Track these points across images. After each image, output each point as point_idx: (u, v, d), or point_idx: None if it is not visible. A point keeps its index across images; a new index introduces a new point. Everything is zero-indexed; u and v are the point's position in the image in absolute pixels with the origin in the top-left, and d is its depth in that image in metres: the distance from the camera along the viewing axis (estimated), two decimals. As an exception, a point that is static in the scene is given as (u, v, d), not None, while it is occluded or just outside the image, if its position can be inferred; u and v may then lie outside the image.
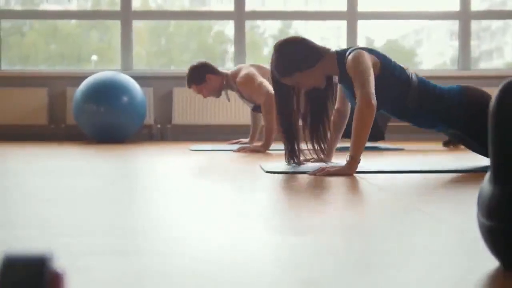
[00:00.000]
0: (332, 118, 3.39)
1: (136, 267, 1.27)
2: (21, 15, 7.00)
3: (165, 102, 6.40)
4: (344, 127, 3.45)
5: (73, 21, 7.44)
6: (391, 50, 7.62)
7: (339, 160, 3.26)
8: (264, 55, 7.67)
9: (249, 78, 4.71)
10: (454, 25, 6.67)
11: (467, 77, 6.18)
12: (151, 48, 7.81)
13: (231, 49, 6.85)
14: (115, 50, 6.55)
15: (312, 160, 3.41)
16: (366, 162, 3.36)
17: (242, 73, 4.77)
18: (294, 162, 3.30)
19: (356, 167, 2.94)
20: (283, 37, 3.30)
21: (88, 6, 7.43)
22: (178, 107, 6.33)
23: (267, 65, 4.80)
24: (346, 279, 1.18)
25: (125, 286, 1.15)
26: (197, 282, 1.16)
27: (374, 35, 7.47)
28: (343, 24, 6.58)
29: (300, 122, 3.33)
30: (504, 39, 8.62)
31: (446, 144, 4.95)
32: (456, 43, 6.64)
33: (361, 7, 6.49)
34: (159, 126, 6.39)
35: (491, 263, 1.25)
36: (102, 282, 1.16)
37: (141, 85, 5.91)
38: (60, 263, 1.24)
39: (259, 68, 4.83)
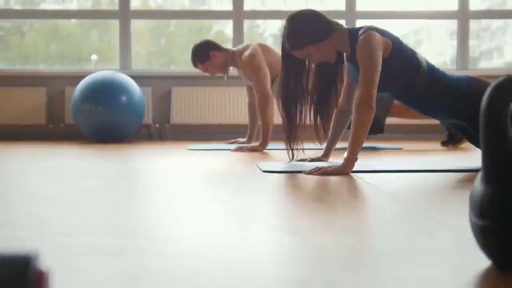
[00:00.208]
0: (333, 116, 3.37)
1: (136, 267, 1.28)
2: (20, 14, 7.00)
3: (163, 102, 6.40)
4: (345, 129, 3.44)
5: (73, 21, 7.45)
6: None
7: (336, 159, 3.28)
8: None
9: (255, 65, 4.69)
10: (454, 24, 6.68)
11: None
12: (151, 48, 7.82)
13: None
14: (115, 49, 6.56)
15: (309, 159, 3.42)
16: (364, 161, 3.37)
17: (248, 52, 4.76)
18: (291, 148, 3.29)
19: (353, 166, 2.95)
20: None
21: (88, 5, 7.45)
22: (177, 106, 6.34)
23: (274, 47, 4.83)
24: (341, 279, 1.19)
25: (125, 286, 1.15)
26: (197, 282, 1.17)
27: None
28: (342, 23, 6.57)
29: (301, 117, 3.29)
30: (504, 38, 8.62)
31: (444, 143, 4.95)
32: (456, 43, 6.65)
33: (359, 7, 6.50)
34: (157, 125, 6.39)
35: (483, 262, 1.26)
36: (102, 282, 1.17)
37: (140, 84, 5.91)
38: (47, 263, 1.25)
39: (265, 50, 4.82)
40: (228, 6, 6.54)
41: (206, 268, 1.26)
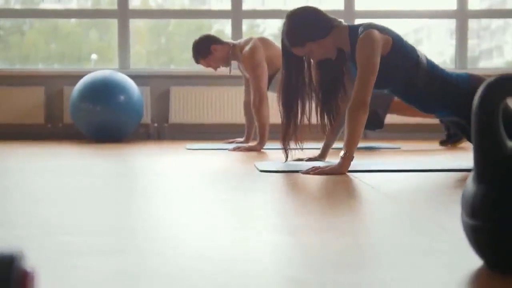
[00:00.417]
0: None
1: (136, 267, 1.28)
2: (20, 14, 7.01)
3: (162, 101, 6.41)
4: (342, 128, 3.44)
5: (73, 20, 7.45)
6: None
7: (334, 159, 3.29)
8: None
9: (255, 61, 4.69)
10: (453, 24, 6.70)
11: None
12: (151, 47, 7.83)
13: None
14: (115, 49, 6.57)
15: (306, 159, 3.44)
16: (361, 161, 3.38)
17: (250, 47, 4.75)
18: (288, 146, 3.29)
19: (349, 165, 2.96)
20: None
21: (88, 5, 7.45)
22: (175, 106, 6.35)
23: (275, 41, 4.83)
24: (339, 279, 1.20)
25: (125, 286, 1.16)
26: (197, 282, 1.18)
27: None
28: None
29: (302, 113, 3.29)
30: (504, 38, 8.62)
31: (443, 143, 4.95)
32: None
33: (358, 6, 6.52)
34: (156, 125, 6.40)
35: (475, 262, 1.27)
36: (102, 282, 1.18)
37: (138, 84, 5.92)
38: (31, 263, 1.26)
39: (266, 43, 4.82)
40: (228, 5, 6.56)
41: (206, 268, 1.27)
